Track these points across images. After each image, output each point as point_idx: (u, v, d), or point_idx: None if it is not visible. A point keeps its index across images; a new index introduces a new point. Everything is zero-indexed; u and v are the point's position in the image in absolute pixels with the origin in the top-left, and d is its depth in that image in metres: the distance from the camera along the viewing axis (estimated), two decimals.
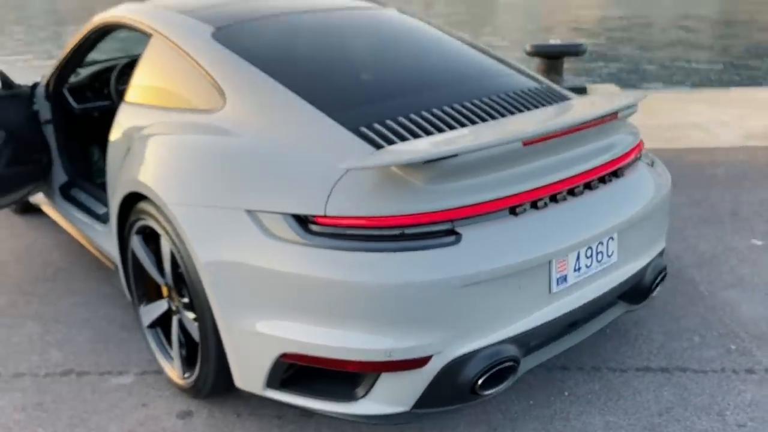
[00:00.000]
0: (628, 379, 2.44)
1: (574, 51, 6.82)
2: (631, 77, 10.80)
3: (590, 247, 2.08)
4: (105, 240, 2.95)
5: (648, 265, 2.33)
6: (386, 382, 1.88)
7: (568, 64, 10.30)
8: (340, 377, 1.95)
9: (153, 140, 2.32)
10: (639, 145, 2.40)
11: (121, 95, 3.02)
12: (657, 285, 2.41)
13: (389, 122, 2.08)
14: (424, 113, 2.14)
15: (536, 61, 7.08)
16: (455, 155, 1.78)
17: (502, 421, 2.24)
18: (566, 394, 2.37)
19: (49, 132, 3.45)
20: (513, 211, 1.93)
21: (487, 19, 19.57)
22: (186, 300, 2.23)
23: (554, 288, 2.00)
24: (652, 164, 2.46)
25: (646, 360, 2.55)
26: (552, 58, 6.85)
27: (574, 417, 2.26)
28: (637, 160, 2.38)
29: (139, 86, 2.65)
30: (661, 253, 2.46)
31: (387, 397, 1.90)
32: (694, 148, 5.09)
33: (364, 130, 2.03)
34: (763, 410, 2.27)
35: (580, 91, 6.90)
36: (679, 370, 2.48)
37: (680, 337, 2.69)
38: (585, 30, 16.16)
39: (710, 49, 12.78)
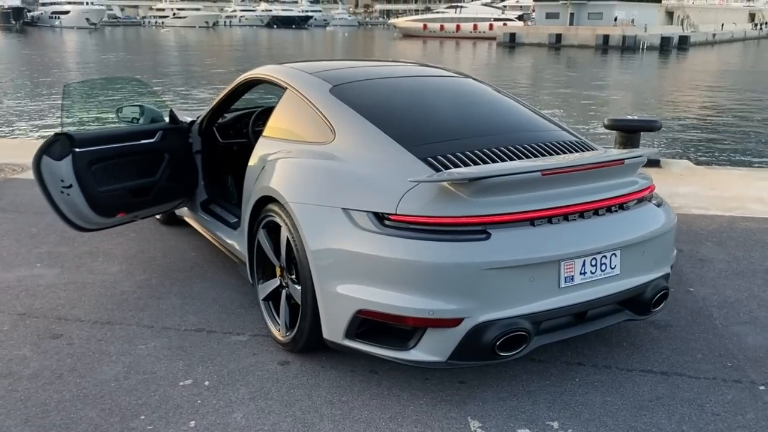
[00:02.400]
0: (632, 377, 3.02)
1: (650, 126, 7.41)
2: (712, 152, 11.10)
3: (595, 258, 2.75)
4: (233, 241, 3.86)
5: (649, 283, 2.95)
6: (430, 336, 2.61)
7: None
8: (397, 333, 2.69)
9: (282, 161, 3.21)
10: (649, 188, 3.07)
11: (256, 135, 3.95)
12: (658, 302, 3.01)
13: (448, 155, 2.87)
14: (476, 151, 2.92)
15: (614, 134, 7.72)
16: (490, 177, 2.54)
17: (521, 392, 2.88)
18: (577, 380, 2.99)
19: (198, 160, 4.46)
20: (532, 223, 2.65)
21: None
22: (293, 276, 3.06)
23: (562, 284, 2.69)
24: (659, 205, 3.10)
25: (651, 365, 3.12)
26: (629, 132, 7.45)
27: (579, 395, 2.87)
28: (645, 200, 3.04)
29: (274, 124, 3.59)
30: (665, 277, 3.06)
31: (430, 349, 2.63)
32: (750, 217, 5.53)
33: (429, 159, 2.83)
34: (738, 407, 2.80)
35: (654, 163, 7.43)
36: (677, 374, 3.04)
37: (685, 353, 3.24)
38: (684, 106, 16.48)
39: None
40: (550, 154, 3.04)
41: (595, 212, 2.81)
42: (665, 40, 59.23)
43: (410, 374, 2.99)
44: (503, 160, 2.90)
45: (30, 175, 3.64)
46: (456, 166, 2.81)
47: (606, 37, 59.17)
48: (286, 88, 3.59)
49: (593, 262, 2.76)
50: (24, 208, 5.51)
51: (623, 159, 2.83)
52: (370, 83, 3.51)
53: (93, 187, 3.70)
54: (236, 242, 3.81)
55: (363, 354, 2.82)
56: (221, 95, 4.24)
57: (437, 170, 2.77)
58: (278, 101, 3.66)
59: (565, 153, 3.09)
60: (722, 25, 78.05)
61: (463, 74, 4.02)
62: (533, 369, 3.06)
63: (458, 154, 2.90)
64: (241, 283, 3.99)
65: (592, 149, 3.22)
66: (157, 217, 5.12)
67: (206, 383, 2.92)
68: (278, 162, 3.23)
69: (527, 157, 2.97)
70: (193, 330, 3.41)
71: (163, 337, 3.33)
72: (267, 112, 4.41)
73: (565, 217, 2.73)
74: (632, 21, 59.91)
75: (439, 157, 2.86)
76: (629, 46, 57.24)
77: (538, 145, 3.10)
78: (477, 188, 2.59)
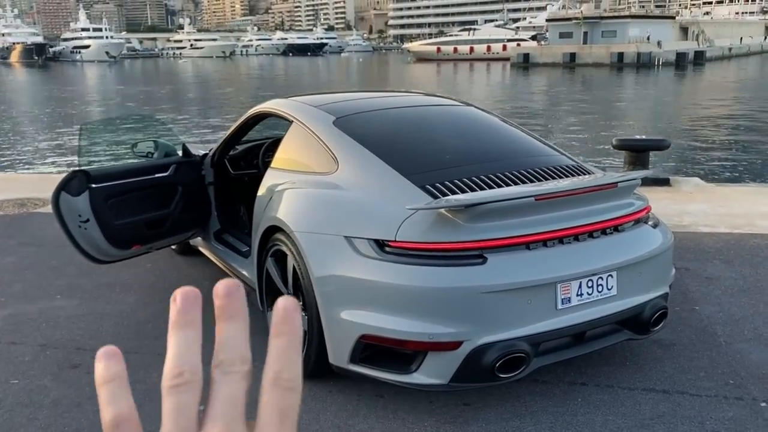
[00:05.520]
0: (634, 395, 3.07)
1: (658, 146, 7.46)
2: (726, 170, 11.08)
3: (591, 279, 2.82)
4: (245, 269, 3.98)
5: (647, 303, 3.01)
6: (431, 360, 2.69)
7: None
8: (400, 357, 2.78)
9: (288, 191, 3.34)
10: (645, 210, 3.14)
11: (266, 165, 4.09)
12: (657, 321, 3.07)
13: (446, 182, 2.98)
14: (473, 178, 3.03)
15: (623, 154, 7.77)
16: (485, 203, 2.64)
17: (524, 413, 2.95)
18: (579, 400, 3.04)
19: (211, 191, 4.61)
20: (528, 247, 2.74)
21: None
22: (300, 303, 3.16)
23: (559, 305, 2.76)
24: (655, 226, 3.17)
25: (653, 384, 3.16)
26: (637, 151, 7.50)
27: (581, 414, 2.92)
28: (641, 221, 3.11)
29: (281, 156, 3.72)
30: (663, 297, 3.12)
31: (431, 372, 2.71)
32: (758, 233, 5.54)
33: (428, 186, 2.94)
34: (738, 423, 2.83)
35: (664, 182, 7.46)
36: (678, 393, 3.08)
37: (688, 371, 3.28)
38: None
39: None
40: (547, 179, 3.13)
41: (590, 235, 2.89)
42: (681, 56, 59.13)
43: (415, 397, 3.07)
44: (500, 186, 2.99)
45: (50, 208, 3.81)
46: (454, 193, 2.92)
47: (620, 55, 59.17)
48: (292, 121, 3.73)
49: (590, 284, 2.83)
50: (44, 241, 5.69)
51: (616, 182, 2.92)
52: (372, 114, 3.64)
53: (109, 221, 3.85)
54: (247, 270, 3.93)
55: (369, 378, 2.90)
56: (232, 129, 4.39)
57: (435, 197, 2.87)
58: (285, 134, 3.79)
59: (561, 177, 3.18)
60: (741, 38, 77.80)
61: (464, 102, 4.13)
62: (536, 390, 3.12)
63: (456, 181, 3.01)
64: (253, 310, 4.09)
65: (589, 173, 3.31)
66: (173, 247, 5.26)
67: None
68: (284, 192, 3.36)
69: (523, 182, 3.07)
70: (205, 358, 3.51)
71: None
72: (276, 143, 4.55)
73: (561, 240, 2.81)
74: (658, 42, 59.79)
75: (437, 184, 2.97)
76: (644, 63, 57.19)
77: (535, 171, 3.19)
78: (473, 214, 2.69)
